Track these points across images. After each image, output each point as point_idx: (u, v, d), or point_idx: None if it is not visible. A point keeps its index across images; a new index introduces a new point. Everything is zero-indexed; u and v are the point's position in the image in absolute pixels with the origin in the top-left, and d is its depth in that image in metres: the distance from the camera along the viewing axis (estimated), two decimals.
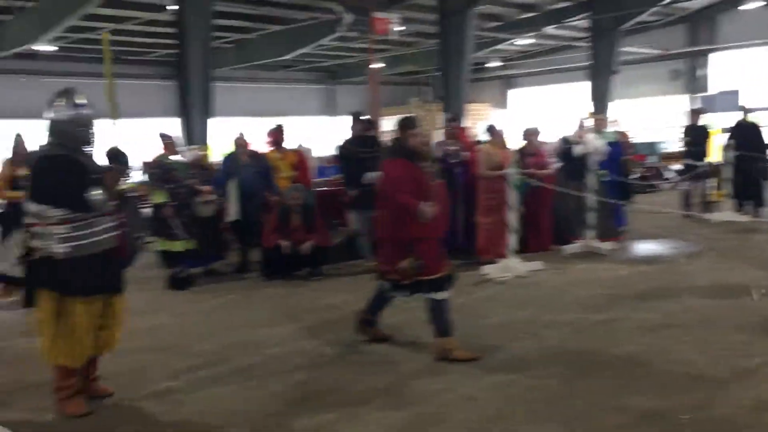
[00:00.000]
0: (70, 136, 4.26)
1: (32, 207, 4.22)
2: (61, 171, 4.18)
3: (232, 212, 8.75)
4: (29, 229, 4.25)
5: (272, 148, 9.37)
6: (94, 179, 4.17)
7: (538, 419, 4.01)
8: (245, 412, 4.30)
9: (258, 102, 26.14)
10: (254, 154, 8.88)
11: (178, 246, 7.94)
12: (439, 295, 5.13)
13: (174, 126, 21.62)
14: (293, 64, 24.50)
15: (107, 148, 4.56)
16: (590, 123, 9.83)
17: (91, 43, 18.37)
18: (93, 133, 4.36)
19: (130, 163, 4.82)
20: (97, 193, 4.11)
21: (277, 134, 9.15)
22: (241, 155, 8.83)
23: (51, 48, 17.75)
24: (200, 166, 8.70)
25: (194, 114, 12.70)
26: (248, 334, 6.00)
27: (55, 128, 4.27)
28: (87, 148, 4.35)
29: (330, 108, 28.50)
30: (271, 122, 9.52)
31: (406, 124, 5.29)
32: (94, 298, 4.26)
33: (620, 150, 10.99)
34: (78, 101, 4.30)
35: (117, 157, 4.39)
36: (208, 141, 12.55)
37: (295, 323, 6.32)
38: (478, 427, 3.97)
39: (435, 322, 5.17)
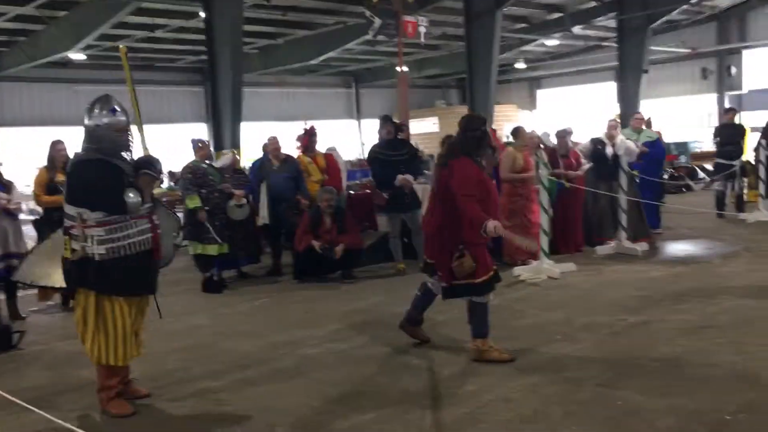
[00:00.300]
0: (108, 142, 4.35)
1: (70, 210, 4.33)
2: (98, 174, 4.28)
3: (263, 215, 8.85)
4: (68, 231, 4.35)
5: (303, 152, 9.46)
6: (130, 182, 4.27)
7: (576, 420, 4.00)
8: (286, 411, 4.34)
9: (284, 106, 26.35)
10: (285, 158, 8.96)
11: (212, 250, 8.04)
12: (483, 298, 5.12)
13: (201, 131, 22.12)
14: (318, 68, 24.63)
15: (139, 156, 4.61)
16: (616, 123, 9.74)
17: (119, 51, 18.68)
18: (129, 139, 4.46)
19: (162, 168, 4.88)
20: (132, 196, 4.20)
21: (307, 138, 9.23)
22: (272, 159, 8.92)
23: (82, 56, 18.05)
24: (233, 170, 8.80)
25: (224, 119, 12.81)
26: (284, 336, 6.06)
27: (93, 134, 4.37)
28: (124, 153, 4.44)
29: (355, 111, 28.60)
30: (297, 126, 9.62)
31: (480, 123, 5.26)
32: (132, 298, 4.36)
33: (662, 150, 10.93)
34: (115, 107, 4.40)
35: (150, 163, 4.43)
36: (240, 145, 12.65)
37: (329, 325, 6.37)
38: (515, 427, 3.97)
39: (474, 323, 5.16)
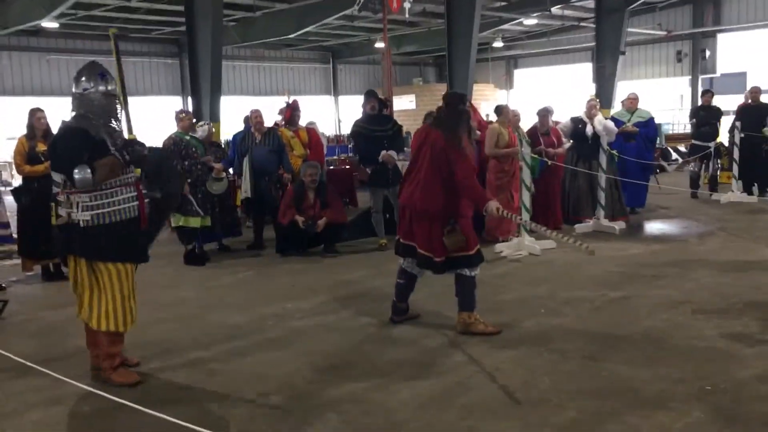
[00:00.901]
0: (98, 107, 4.31)
1: (56, 176, 4.33)
2: (69, 143, 4.23)
3: (246, 189, 8.82)
4: (54, 198, 4.35)
5: (285, 126, 9.42)
6: (101, 155, 4.17)
7: (565, 389, 4.10)
8: (278, 381, 4.38)
9: (260, 81, 26.15)
10: (268, 131, 8.92)
11: (194, 222, 8.02)
12: (472, 271, 5.19)
13: (177, 104, 21.84)
14: (296, 43, 24.42)
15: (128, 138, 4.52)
16: (596, 102, 9.85)
17: (95, 20, 18.30)
18: (118, 105, 4.41)
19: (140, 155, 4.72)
20: (78, 172, 4.09)
21: (290, 111, 9.20)
22: (255, 132, 8.87)
23: (54, 25, 17.67)
24: (209, 142, 8.74)
25: (203, 91, 12.66)
26: (271, 308, 6.09)
27: (82, 99, 4.33)
28: (113, 122, 4.39)
29: (332, 87, 28.46)
30: (273, 101, 9.59)
31: (463, 98, 5.30)
32: (124, 264, 4.34)
33: (654, 129, 11.09)
34: (102, 72, 4.35)
35: (130, 147, 4.33)
36: (220, 118, 12.54)
37: (315, 298, 6.41)
38: (504, 396, 4.05)
39: (462, 296, 5.24)
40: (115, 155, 4.22)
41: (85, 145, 4.16)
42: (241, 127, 11.00)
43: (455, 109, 5.21)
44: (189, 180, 7.97)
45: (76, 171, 4.09)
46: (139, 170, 4.40)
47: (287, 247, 8.45)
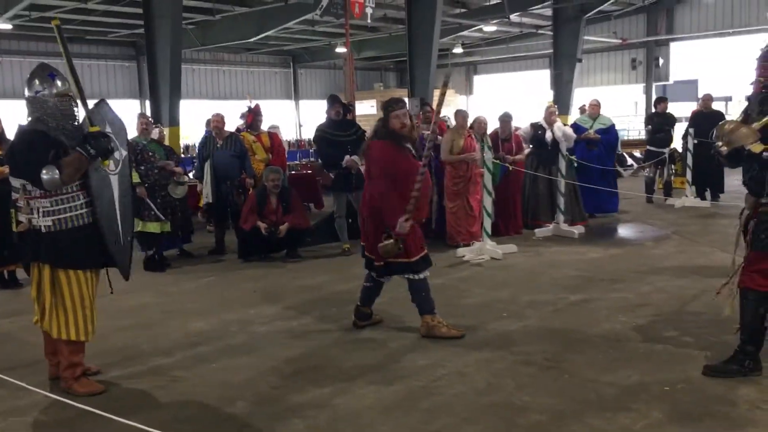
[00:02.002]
0: (51, 108, 4.22)
1: (14, 182, 4.24)
2: (28, 146, 4.14)
3: (207, 194, 8.74)
4: (14, 204, 4.25)
5: (247, 130, 9.36)
6: (59, 156, 4.08)
7: (529, 391, 4.16)
8: (243, 386, 4.36)
9: (220, 85, 25.91)
10: (229, 135, 8.86)
11: (153, 227, 7.90)
12: (418, 276, 5.22)
13: (134, 108, 21.50)
14: (256, 47, 24.27)
15: (90, 132, 4.41)
16: (555, 109, 10.04)
17: (49, 21, 17.91)
18: (73, 105, 4.30)
19: (110, 147, 4.61)
20: (46, 173, 4.00)
21: (252, 116, 9.15)
22: (216, 136, 8.80)
23: (8, 26, 17.24)
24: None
25: (162, 95, 12.50)
26: (234, 314, 6.04)
27: (35, 103, 4.25)
28: (71, 123, 4.30)
29: (293, 92, 28.35)
30: (233, 105, 9.54)
31: (388, 105, 5.32)
32: (85, 271, 4.26)
33: (615, 136, 11.34)
34: (53, 73, 4.28)
35: (92, 140, 4.21)
36: (179, 122, 12.39)
37: (278, 303, 6.38)
38: (469, 399, 4.10)
39: (417, 300, 5.29)
40: (80, 151, 4.11)
41: (45, 146, 4.08)
42: (203, 130, 10.92)
43: (381, 119, 5.30)
44: (146, 184, 7.87)
45: (44, 172, 4.00)
46: (107, 162, 4.29)
47: (249, 252, 8.39)
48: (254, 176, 8.86)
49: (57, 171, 4.02)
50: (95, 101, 4.52)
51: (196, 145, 10.04)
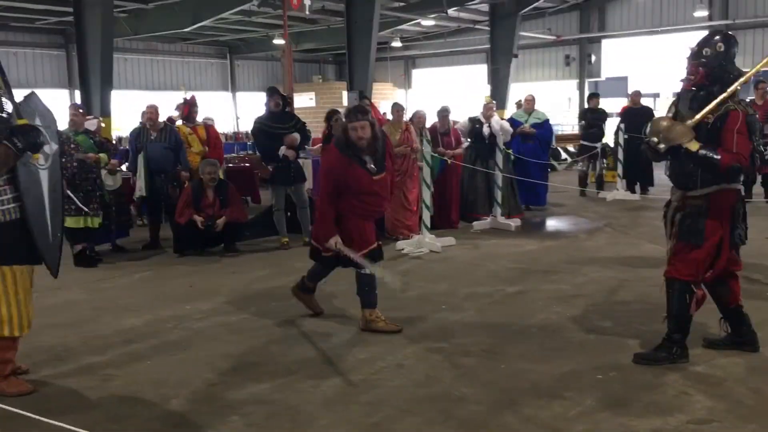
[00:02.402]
0: None
1: None
2: None
3: (140, 187, 8.53)
4: None
5: (182, 122, 9.17)
6: None
7: (466, 382, 4.22)
8: (178, 384, 4.27)
9: (154, 75, 25.31)
10: (164, 127, 8.65)
11: (73, 222, 7.56)
12: (366, 270, 5.24)
13: (63, 98, 20.78)
14: (191, 37, 23.78)
15: (18, 124, 4.21)
16: (492, 104, 10.20)
17: None
18: (1, 100, 4.06)
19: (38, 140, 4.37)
20: None
21: (188, 107, 8.96)
22: (149, 128, 8.59)
23: None
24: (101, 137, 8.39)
25: (93, 85, 12.12)
26: (169, 310, 5.92)
27: None
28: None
29: (229, 83, 27.91)
30: (168, 96, 9.34)
31: (348, 114, 5.30)
32: (16, 264, 4.08)
33: (550, 131, 11.58)
34: None
35: (19, 133, 4.02)
36: (110, 113, 12.04)
37: (214, 298, 6.28)
38: (408, 392, 4.12)
39: (361, 294, 5.29)
40: (7, 144, 3.90)
41: None
42: (136, 122, 10.63)
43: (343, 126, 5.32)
44: (65, 177, 7.56)
45: None
46: (38, 156, 4.08)
47: (185, 246, 8.23)
48: (189, 169, 8.68)
49: None
50: (23, 91, 4.33)
51: (128, 136, 9.75)
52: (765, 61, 4.39)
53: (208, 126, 9.71)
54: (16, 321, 4.09)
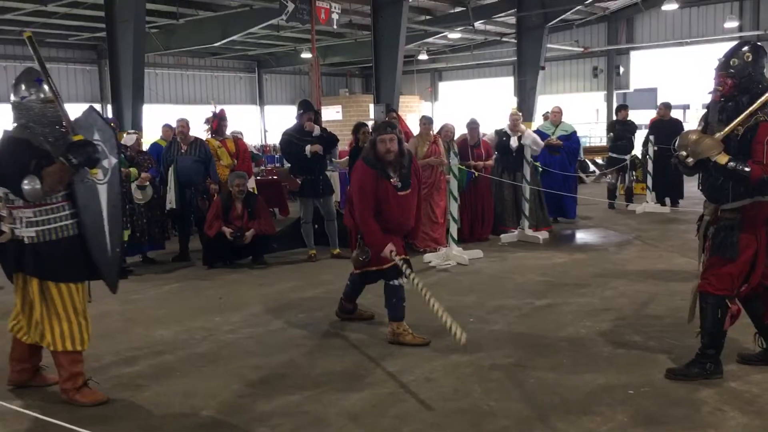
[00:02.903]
0: (36, 114, 4.09)
1: None
2: (8, 155, 4.01)
3: (171, 200, 8.63)
4: None
5: (212, 135, 9.27)
6: (41, 165, 3.94)
7: (495, 396, 4.19)
8: (207, 395, 4.30)
9: (184, 89, 25.67)
10: (194, 141, 8.76)
11: None
12: (396, 282, 5.25)
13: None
14: (221, 51, 24.09)
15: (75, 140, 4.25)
16: (519, 116, 10.14)
17: (9, 24, 17.56)
18: (59, 111, 4.13)
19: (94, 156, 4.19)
20: (27, 183, 3.88)
21: (217, 121, 9.05)
22: (180, 141, 8.71)
23: None
24: (137, 151, 8.51)
25: (125, 99, 12.34)
26: (199, 321, 5.97)
27: (20, 108, 4.12)
28: (57, 130, 4.13)
29: (257, 97, 28.20)
30: (197, 110, 9.43)
31: (377, 128, 5.37)
32: (73, 281, 4.15)
33: (577, 142, 11.51)
34: (40, 78, 4.12)
35: (75, 150, 4.06)
36: (142, 127, 12.23)
37: (244, 310, 6.32)
38: (437, 405, 4.10)
39: (389, 306, 5.31)
40: (61, 160, 3.96)
41: (28, 155, 3.95)
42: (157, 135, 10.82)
43: (372, 140, 5.32)
44: None
45: (25, 182, 3.87)
46: (96, 171, 4.14)
47: (214, 259, 8.30)
48: (219, 182, 8.77)
49: (38, 181, 3.89)
50: (78, 107, 4.38)
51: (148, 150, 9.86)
52: None
53: (237, 139, 9.80)
54: (78, 336, 4.16)
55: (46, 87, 4.11)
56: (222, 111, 9.17)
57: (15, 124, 4.16)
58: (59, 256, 4.08)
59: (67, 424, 3.37)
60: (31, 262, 4.06)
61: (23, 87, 4.13)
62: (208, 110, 9.39)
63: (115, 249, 4.30)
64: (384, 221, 5.18)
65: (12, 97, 4.17)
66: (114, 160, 4.28)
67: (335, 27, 12.27)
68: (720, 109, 4.29)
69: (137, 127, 11.97)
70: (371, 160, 5.20)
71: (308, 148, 8.18)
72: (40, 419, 3.52)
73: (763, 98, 4.11)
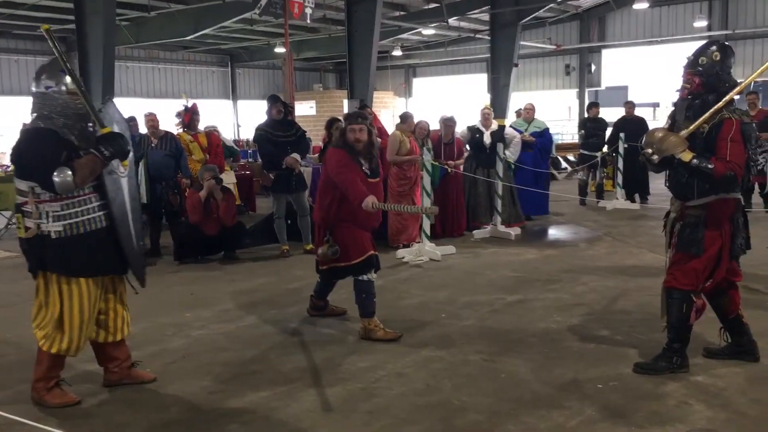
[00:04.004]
0: (61, 110, 3.95)
1: (21, 185, 3.97)
2: (36, 146, 3.89)
3: (141, 195, 8.53)
4: (20, 209, 3.99)
5: (183, 130, 9.19)
6: (71, 157, 3.84)
7: (466, 391, 4.21)
8: (177, 392, 4.27)
9: (156, 83, 25.39)
10: (164, 135, 8.67)
11: None
12: (364, 277, 5.25)
13: None
14: (193, 45, 23.87)
15: (104, 132, 4.15)
16: (490, 111, 10.21)
17: None
18: (84, 106, 4.00)
19: (124, 148, 4.10)
20: (57, 174, 3.78)
21: (189, 115, 8.97)
22: (150, 135, 8.61)
23: None
24: None
25: (94, 93, 12.12)
26: (168, 317, 5.92)
27: (43, 99, 3.99)
28: (82, 123, 4.01)
29: (230, 92, 27.99)
30: (168, 104, 9.33)
31: (347, 117, 5.46)
32: (96, 278, 4.08)
33: (550, 139, 11.59)
34: (64, 69, 4.00)
35: (106, 141, 3.91)
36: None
37: (215, 306, 6.28)
38: (408, 400, 4.11)
39: (359, 303, 5.31)
40: (94, 153, 3.88)
41: (58, 146, 3.85)
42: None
43: (342, 129, 5.44)
44: None
45: (55, 174, 3.77)
46: (126, 163, 4.10)
47: (185, 254, 8.24)
48: (190, 176, 8.69)
49: (70, 173, 3.79)
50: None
51: None
52: (760, 70, 4.41)
53: (211, 134, 9.71)
54: (76, 340, 4.06)
55: (68, 79, 4.00)
56: (194, 105, 9.08)
57: (35, 116, 4.01)
58: (88, 249, 3.98)
59: (32, 422, 3.32)
60: (53, 257, 3.94)
61: (46, 77, 4.01)
62: (179, 104, 9.30)
63: (139, 242, 4.28)
64: (356, 213, 5.16)
65: (34, 88, 4.05)
66: (131, 155, 4.25)
67: (309, 21, 12.21)
68: (687, 107, 4.36)
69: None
70: (343, 144, 5.29)
71: (287, 158, 8.14)
72: (3, 416, 3.46)
73: (727, 97, 4.18)
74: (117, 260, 4.17)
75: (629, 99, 14.85)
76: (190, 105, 9.03)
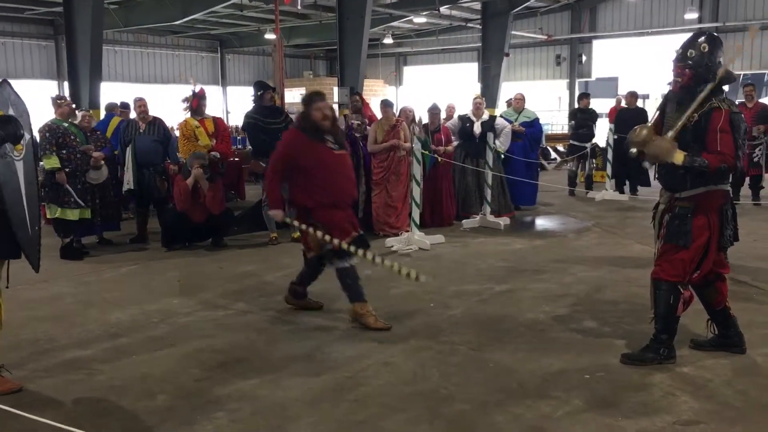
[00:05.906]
0: None
1: None
2: None
3: (129, 180, 8.46)
4: None
5: (190, 115, 9.01)
6: None
7: (454, 380, 4.21)
8: (163, 379, 4.24)
9: (144, 67, 25.15)
10: (152, 120, 8.59)
11: (72, 215, 7.61)
12: (345, 262, 5.20)
13: (52, 89, 20.61)
14: (182, 30, 23.65)
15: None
16: (482, 101, 10.19)
17: None
18: None
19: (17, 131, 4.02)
20: None
21: (196, 100, 8.75)
22: (139, 121, 8.53)
23: None
24: (92, 130, 8.30)
25: (82, 77, 12.02)
26: (155, 304, 5.88)
27: None
28: None
29: (220, 77, 27.79)
30: (157, 89, 9.17)
31: (310, 97, 5.38)
32: None
33: (540, 129, 11.58)
34: None
35: (3, 123, 3.93)
36: (100, 106, 11.94)
37: (202, 293, 6.25)
38: (395, 390, 4.10)
39: (346, 288, 5.28)
40: None
41: None
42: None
43: (303, 111, 5.41)
44: (67, 169, 7.57)
45: None
46: (20, 146, 3.99)
47: (173, 240, 8.18)
48: (178, 162, 8.62)
49: None
50: (11, 82, 4.23)
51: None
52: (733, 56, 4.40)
53: (217, 119, 9.44)
54: None
55: None
56: (201, 90, 8.80)
57: None
58: None
59: (14, 409, 3.27)
60: None
61: None
62: (170, 89, 9.18)
63: (34, 226, 4.16)
64: (326, 189, 5.15)
65: None
66: (28, 137, 4.13)
67: (299, 7, 12.12)
68: (678, 100, 4.35)
69: (95, 105, 11.69)
70: (306, 127, 5.28)
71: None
72: None
73: (704, 92, 4.16)
74: (10, 245, 4.05)
75: (621, 90, 14.83)
76: (197, 90, 8.79)
